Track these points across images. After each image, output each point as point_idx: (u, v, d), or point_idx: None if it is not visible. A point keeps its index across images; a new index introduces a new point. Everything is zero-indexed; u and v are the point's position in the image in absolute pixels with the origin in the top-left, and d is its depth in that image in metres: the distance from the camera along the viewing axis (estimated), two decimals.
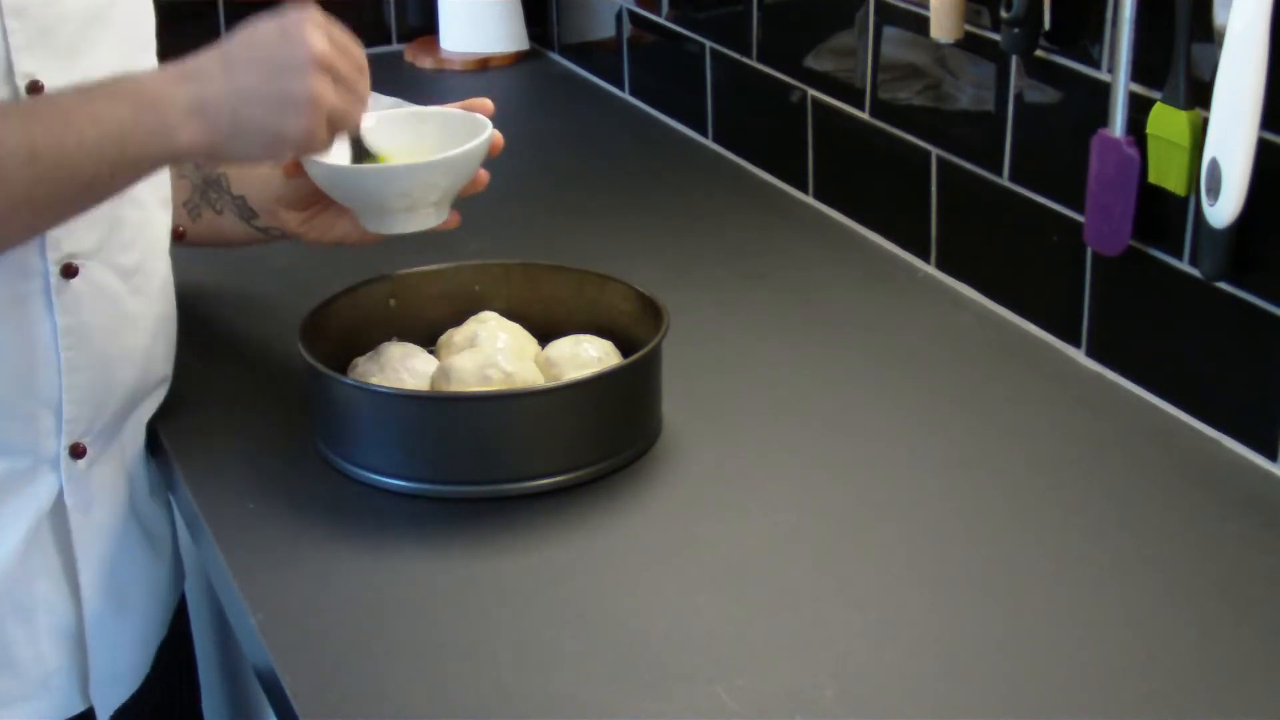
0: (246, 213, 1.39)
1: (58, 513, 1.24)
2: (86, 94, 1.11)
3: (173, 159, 1.15)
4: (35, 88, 1.13)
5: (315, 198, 1.35)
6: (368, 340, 1.35)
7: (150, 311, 1.28)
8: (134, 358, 1.27)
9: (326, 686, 1.03)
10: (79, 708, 1.28)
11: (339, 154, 1.29)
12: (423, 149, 1.27)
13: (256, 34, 1.13)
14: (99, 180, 1.11)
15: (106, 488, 1.27)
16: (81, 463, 1.24)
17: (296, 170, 1.31)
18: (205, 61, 1.13)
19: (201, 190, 1.39)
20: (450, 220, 1.30)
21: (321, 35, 1.13)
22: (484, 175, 1.32)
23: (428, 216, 1.28)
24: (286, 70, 1.12)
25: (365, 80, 1.18)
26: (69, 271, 1.18)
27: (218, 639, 1.50)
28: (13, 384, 1.18)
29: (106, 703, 1.30)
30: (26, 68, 1.13)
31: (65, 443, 1.22)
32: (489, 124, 1.29)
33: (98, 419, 1.24)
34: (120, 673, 1.31)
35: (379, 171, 1.25)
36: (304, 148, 1.15)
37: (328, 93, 1.13)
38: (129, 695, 1.33)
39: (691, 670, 1.04)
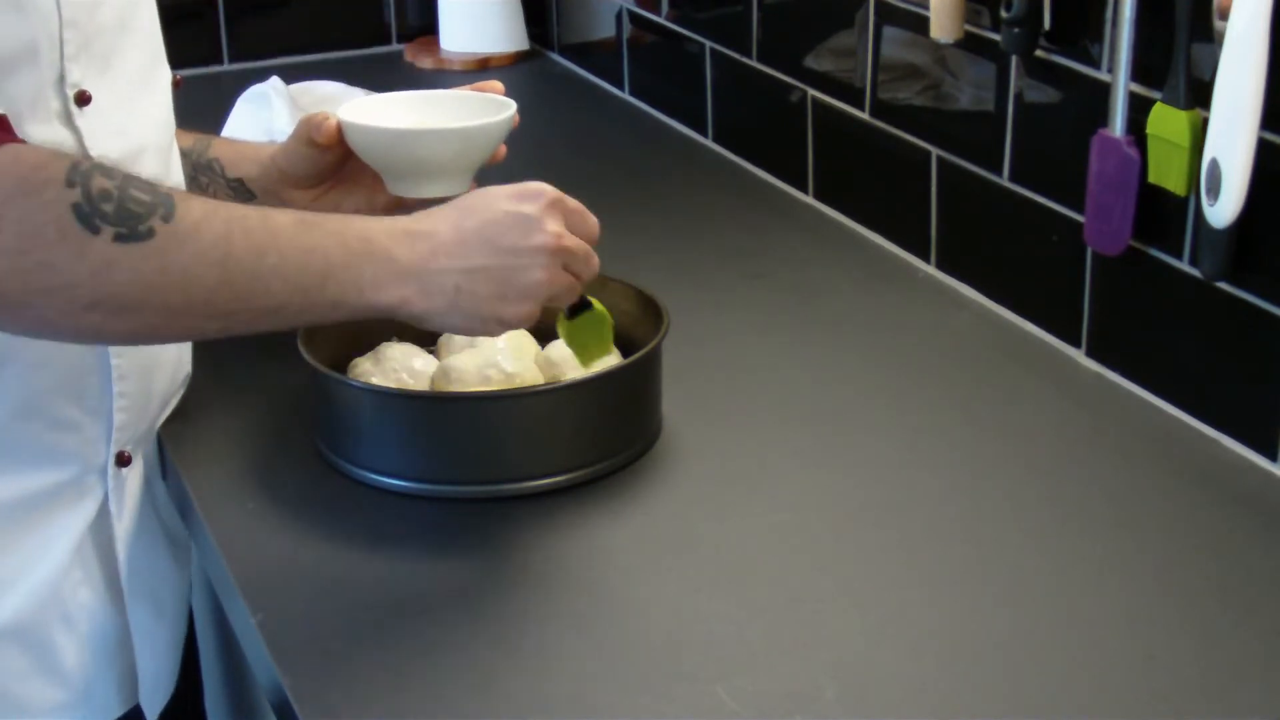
0: (243, 195, 1.36)
1: (101, 520, 1.23)
2: (304, 222, 1.09)
3: (367, 314, 1.11)
4: (83, 98, 1.13)
5: (326, 175, 1.35)
6: (368, 340, 1.35)
7: None
8: (170, 358, 1.28)
9: (326, 686, 1.03)
10: (118, 712, 1.28)
11: (372, 114, 1.31)
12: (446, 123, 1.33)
13: (493, 211, 1.12)
14: (286, 308, 1.08)
15: (139, 493, 1.28)
16: (125, 470, 1.24)
17: (333, 141, 1.30)
18: (438, 226, 1.11)
19: (192, 175, 1.36)
20: (471, 190, 1.32)
21: (559, 222, 1.13)
22: (503, 149, 1.35)
23: (455, 183, 1.31)
24: (521, 258, 1.11)
25: (594, 259, 1.17)
26: None
27: (218, 637, 1.50)
28: (63, 395, 1.18)
29: (153, 706, 1.30)
30: (74, 78, 1.13)
31: (113, 450, 1.22)
32: (510, 101, 1.34)
33: (140, 424, 1.25)
34: (162, 675, 1.31)
35: (423, 134, 1.29)
36: (513, 328, 1.14)
37: (555, 280, 1.13)
38: (169, 697, 1.33)
39: (691, 670, 1.04)
